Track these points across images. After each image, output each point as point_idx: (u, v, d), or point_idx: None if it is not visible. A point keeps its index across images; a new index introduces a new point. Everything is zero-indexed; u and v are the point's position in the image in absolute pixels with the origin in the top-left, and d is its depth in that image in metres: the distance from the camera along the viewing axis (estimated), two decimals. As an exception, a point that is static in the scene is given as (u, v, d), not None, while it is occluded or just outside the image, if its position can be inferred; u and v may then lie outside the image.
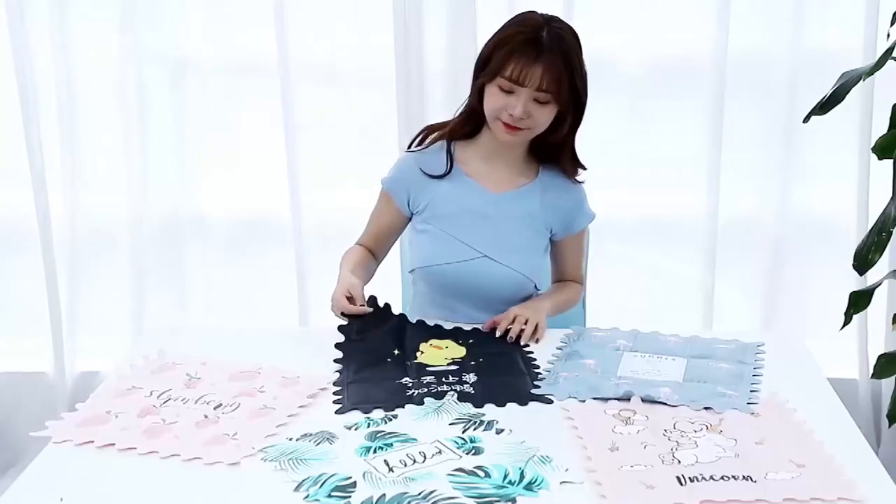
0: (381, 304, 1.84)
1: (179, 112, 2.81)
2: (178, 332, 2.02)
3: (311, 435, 1.45)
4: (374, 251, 2.04)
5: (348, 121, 2.73)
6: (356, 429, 1.47)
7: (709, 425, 1.46)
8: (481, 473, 1.33)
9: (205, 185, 2.87)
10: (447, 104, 2.67)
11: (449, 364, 1.73)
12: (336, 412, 1.54)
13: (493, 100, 1.85)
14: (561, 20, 1.88)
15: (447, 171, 1.96)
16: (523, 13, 1.90)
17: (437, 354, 1.77)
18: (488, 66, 1.85)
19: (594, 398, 1.56)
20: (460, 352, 1.78)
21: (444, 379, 1.65)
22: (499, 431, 1.46)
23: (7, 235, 2.94)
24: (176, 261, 2.90)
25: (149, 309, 2.91)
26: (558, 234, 2.00)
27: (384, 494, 1.28)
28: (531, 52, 1.81)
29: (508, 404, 1.55)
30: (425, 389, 1.61)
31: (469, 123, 1.97)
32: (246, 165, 2.86)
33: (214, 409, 1.53)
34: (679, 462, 1.35)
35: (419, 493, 1.28)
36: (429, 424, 1.48)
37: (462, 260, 1.93)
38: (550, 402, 1.58)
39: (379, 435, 1.44)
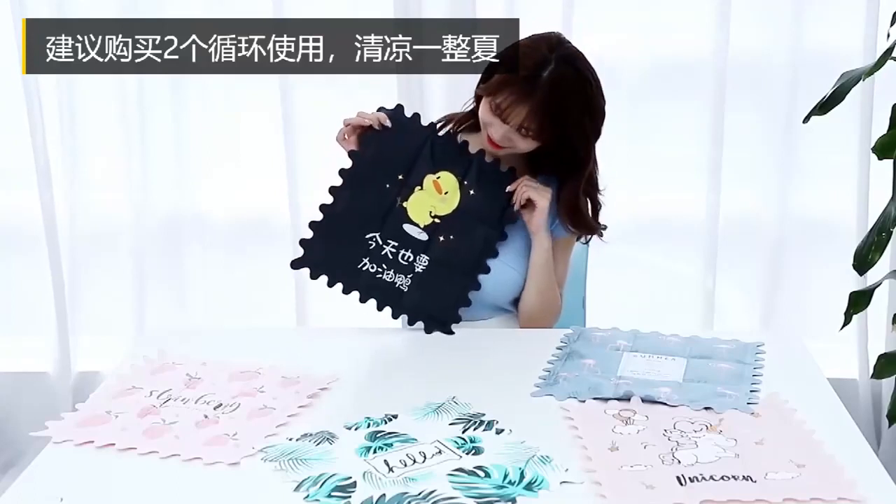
0: (408, 114, 1.92)
1: (179, 112, 2.81)
2: (178, 332, 2.02)
3: (311, 435, 1.45)
4: None
5: (348, 121, 2.73)
6: (356, 429, 1.47)
7: (709, 425, 1.46)
8: (481, 473, 1.33)
9: (205, 185, 2.86)
10: (448, 105, 2.66)
11: (426, 226, 1.87)
12: (291, 263, 1.84)
13: (483, 114, 1.87)
14: (575, 58, 1.82)
15: None
16: (541, 36, 1.85)
17: (426, 203, 1.88)
18: (489, 80, 1.85)
19: (594, 398, 1.56)
20: (452, 203, 1.88)
21: (399, 258, 1.85)
22: (499, 431, 1.46)
23: (7, 235, 2.94)
24: (176, 261, 2.90)
25: (149, 309, 2.91)
26: (553, 231, 1.96)
27: (384, 494, 1.28)
28: (524, 89, 1.78)
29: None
30: (379, 269, 1.84)
31: (472, 117, 1.97)
32: (246, 165, 2.86)
33: (214, 409, 1.53)
34: (679, 462, 1.35)
35: (419, 493, 1.28)
36: (429, 424, 1.48)
37: None
38: (470, 303, 1.85)
39: (379, 435, 1.44)
